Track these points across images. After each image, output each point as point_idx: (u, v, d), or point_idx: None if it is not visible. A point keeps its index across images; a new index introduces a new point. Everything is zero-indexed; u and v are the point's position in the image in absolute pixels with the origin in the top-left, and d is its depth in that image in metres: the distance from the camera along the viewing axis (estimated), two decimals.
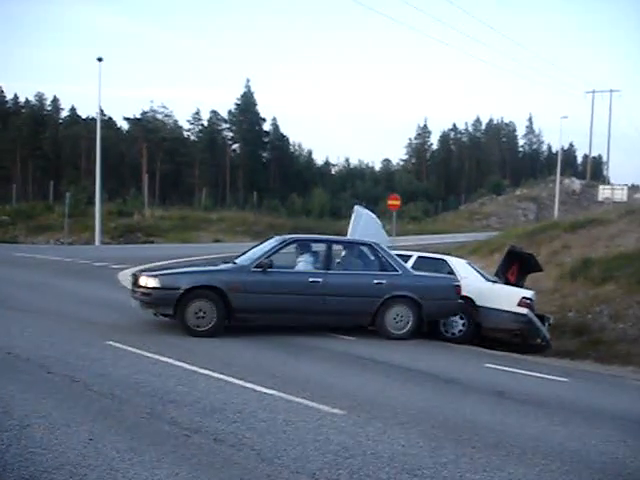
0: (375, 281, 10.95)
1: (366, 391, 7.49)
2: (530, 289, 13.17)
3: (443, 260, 13.07)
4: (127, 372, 7.55)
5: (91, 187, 42.99)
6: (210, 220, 44.70)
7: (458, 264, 12.89)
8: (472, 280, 12.42)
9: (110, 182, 58.07)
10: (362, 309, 10.94)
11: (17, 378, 7.16)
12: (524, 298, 11.99)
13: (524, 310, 11.86)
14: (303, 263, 11.14)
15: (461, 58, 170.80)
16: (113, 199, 49.77)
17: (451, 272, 12.54)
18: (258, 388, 7.13)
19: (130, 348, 8.82)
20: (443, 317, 11.80)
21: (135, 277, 10.62)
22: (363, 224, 14.89)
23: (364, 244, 11.81)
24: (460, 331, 11.96)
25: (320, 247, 11.33)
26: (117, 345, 8.99)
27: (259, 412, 6.28)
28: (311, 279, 10.66)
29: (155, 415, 6.03)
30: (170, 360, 8.24)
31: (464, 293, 12.08)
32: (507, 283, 13.05)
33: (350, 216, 15.32)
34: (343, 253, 11.87)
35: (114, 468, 4.75)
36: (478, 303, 11.98)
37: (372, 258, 11.45)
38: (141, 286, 10.27)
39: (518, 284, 13.65)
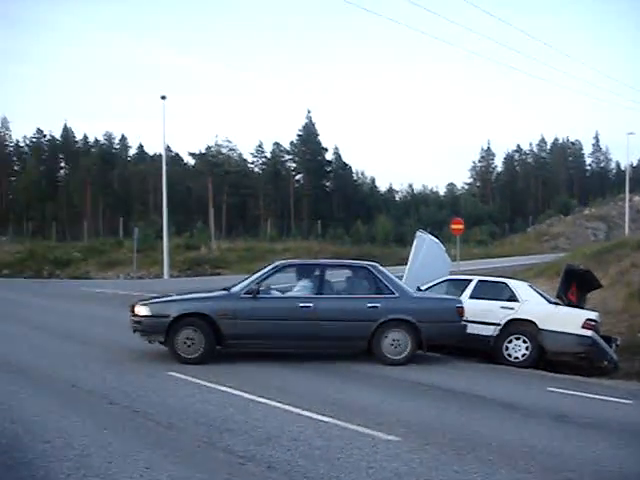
0: (369, 305, 10.64)
1: (422, 417, 7.45)
2: (595, 310, 12.88)
3: (504, 283, 12.90)
4: (186, 402, 7.70)
5: (159, 222, 44.00)
6: (275, 250, 45.05)
7: (519, 287, 12.70)
8: (534, 303, 12.23)
9: (177, 216, 59.31)
10: (356, 334, 10.63)
11: (80, 409, 7.40)
12: (588, 320, 11.72)
13: (589, 332, 11.59)
14: (297, 288, 11.03)
15: (523, 78, 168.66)
16: (181, 233, 50.74)
17: (512, 295, 12.38)
18: (314, 416, 7.18)
19: (190, 378, 8.99)
20: (445, 341, 11.42)
21: (132, 306, 10.75)
22: (426, 249, 14.85)
23: (361, 267, 11.51)
24: (524, 355, 11.76)
25: (315, 271, 11.14)
26: (178, 375, 9.18)
27: (314, 439, 6.32)
28: (301, 304, 10.48)
29: (211, 443, 6.13)
30: (229, 389, 8.37)
31: (527, 317, 11.93)
32: (569, 304, 12.80)
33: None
34: (341, 277, 11.64)
35: None
36: (541, 326, 11.76)
37: (368, 281, 11.13)
38: (135, 314, 10.50)
39: (579, 304, 13.37)
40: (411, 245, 15.41)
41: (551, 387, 9.47)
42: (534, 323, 11.84)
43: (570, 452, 6.24)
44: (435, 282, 13.46)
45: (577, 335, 11.58)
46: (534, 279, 20.28)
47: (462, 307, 11.07)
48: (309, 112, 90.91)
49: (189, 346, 10.13)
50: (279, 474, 5.38)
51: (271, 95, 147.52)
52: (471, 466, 5.69)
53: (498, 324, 12.12)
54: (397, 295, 10.81)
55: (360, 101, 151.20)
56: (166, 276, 35.72)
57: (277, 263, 11.55)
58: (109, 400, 7.75)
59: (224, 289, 11.14)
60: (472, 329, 12.41)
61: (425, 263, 14.52)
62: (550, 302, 12.45)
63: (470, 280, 13.20)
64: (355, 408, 7.66)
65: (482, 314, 12.39)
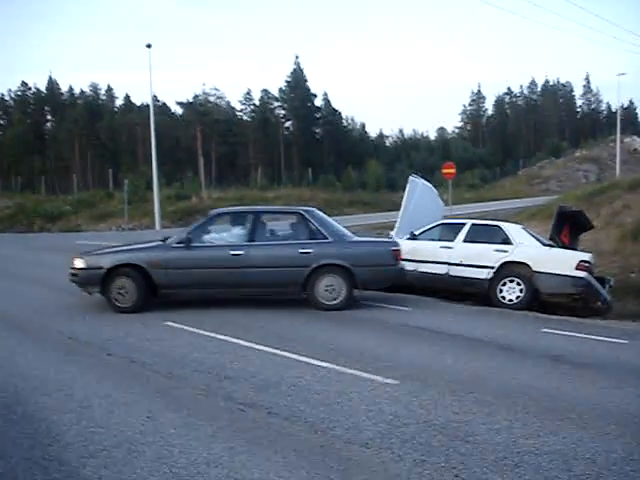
0: (301, 250, 10.59)
1: (420, 360, 7.49)
2: (588, 251, 12.90)
3: (497, 226, 12.88)
4: (184, 351, 7.72)
5: (149, 173, 43.69)
6: (267, 199, 44.93)
7: (513, 230, 12.69)
8: (528, 245, 12.24)
9: (167, 167, 58.92)
10: (288, 280, 10.61)
11: (78, 361, 7.41)
12: (582, 261, 11.74)
13: (582, 273, 11.62)
14: (229, 235, 11.01)
15: (512, 20, 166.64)
16: (171, 183, 50.50)
17: (506, 238, 12.38)
18: (312, 361, 7.21)
19: (187, 327, 9.03)
20: (382, 285, 11.43)
21: (71, 260, 10.80)
22: (418, 194, 14.76)
23: (294, 212, 11.42)
24: (518, 297, 11.80)
25: (248, 219, 11.05)
26: (174, 325, 9.22)
27: (313, 385, 6.36)
28: (232, 252, 10.49)
29: (211, 392, 6.17)
30: (226, 337, 8.40)
31: (521, 259, 11.94)
32: (563, 246, 12.82)
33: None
34: (277, 224, 11.61)
35: (171, 444, 4.89)
36: (535, 268, 11.78)
37: (302, 227, 11.05)
38: (72, 267, 10.60)
39: (572, 245, 13.40)
40: (403, 190, 15.32)
41: (546, 328, 9.52)
42: (528, 265, 11.86)
43: (568, 392, 6.29)
44: (429, 226, 13.45)
45: (571, 276, 11.60)
46: (526, 222, 20.30)
47: (398, 250, 10.97)
48: (297, 58, 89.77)
49: (123, 295, 10.29)
50: (279, 419, 5.42)
51: (258, 42, 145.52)
52: (470, 407, 5.74)
53: (492, 267, 12.15)
54: (331, 240, 10.73)
55: (349, 46, 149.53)
56: (158, 227, 35.62)
57: (211, 212, 11.60)
58: (107, 351, 7.77)
59: (162, 240, 11.14)
60: (466, 272, 12.50)
61: (418, 208, 14.45)
62: (544, 244, 12.46)
63: (464, 224, 13.19)
64: (353, 353, 7.69)
65: (476, 257, 12.42)
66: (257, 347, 7.90)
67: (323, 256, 10.60)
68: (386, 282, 11.35)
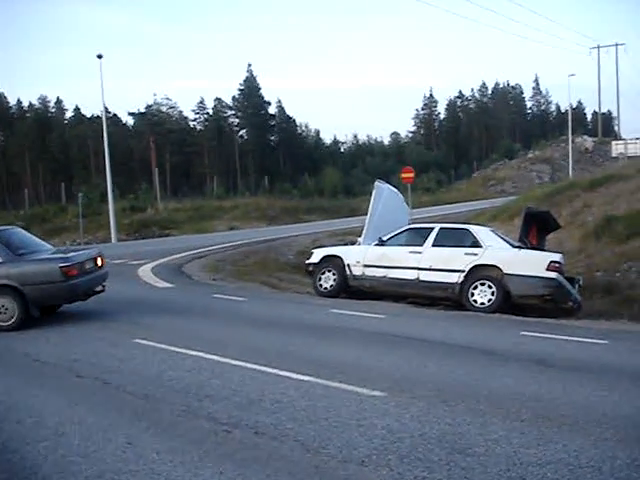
0: None
1: (403, 370, 7.28)
2: (557, 252, 12.89)
3: (466, 230, 12.79)
4: (158, 369, 7.41)
5: (102, 185, 42.98)
6: (224, 208, 44.61)
7: (481, 232, 12.61)
8: (498, 247, 12.15)
9: (121, 178, 57.99)
10: None
11: (47, 384, 7.07)
12: (552, 262, 11.67)
13: (553, 274, 11.55)
14: None
15: (461, 23, 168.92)
16: (125, 195, 49.72)
17: (475, 241, 12.29)
18: (294, 375, 6.96)
19: (159, 344, 8.69)
20: (53, 302, 11.07)
21: None
22: (385, 199, 14.63)
23: None
24: (490, 300, 11.69)
25: None
26: (144, 342, 8.87)
27: (298, 400, 6.11)
28: None
29: (192, 412, 5.88)
30: (200, 354, 8.09)
31: (491, 262, 11.84)
32: (531, 247, 12.80)
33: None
34: None
35: (156, 471, 4.61)
36: (505, 271, 11.69)
37: None
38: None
39: (540, 246, 13.39)
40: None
41: (524, 331, 9.39)
42: (498, 268, 11.78)
43: (558, 397, 6.14)
44: (396, 232, 13.32)
45: (542, 277, 11.52)
46: (488, 223, 20.31)
47: (67, 266, 10.45)
48: (250, 66, 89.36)
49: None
50: (268, 439, 5.17)
51: (210, 51, 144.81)
52: (463, 417, 5.55)
53: (462, 271, 12.04)
54: (0, 260, 10.34)
55: (300, 53, 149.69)
56: (114, 240, 35.02)
57: None
58: (76, 373, 7.42)
59: None
60: (437, 277, 12.36)
61: (385, 213, 14.32)
62: (513, 246, 12.40)
63: (432, 228, 13.08)
64: (333, 365, 7.46)
65: (446, 261, 12.31)
66: (234, 362, 7.61)
67: None
68: (57, 299, 10.98)
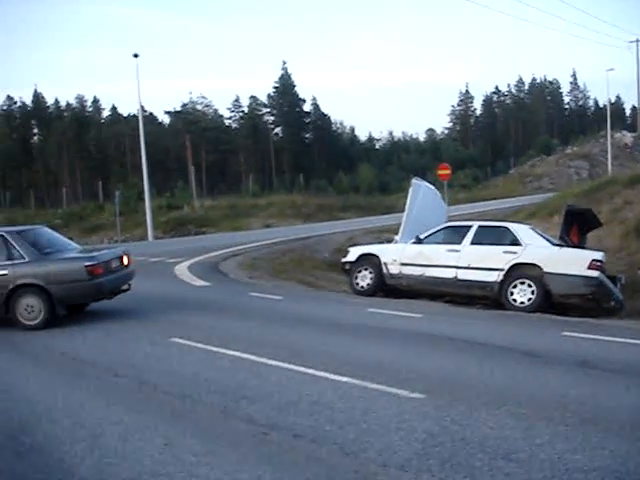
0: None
1: (443, 371, 7.16)
2: (599, 250, 12.63)
3: (505, 227, 12.59)
4: (195, 369, 7.38)
5: (139, 183, 43.34)
6: (259, 206, 44.70)
7: (521, 230, 12.40)
8: (537, 246, 11.95)
9: (157, 176, 58.56)
10: None
11: (84, 384, 7.06)
12: (594, 260, 11.43)
13: (595, 273, 11.32)
14: None
15: (497, 18, 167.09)
16: (162, 193, 50.16)
17: (515, 239, 12.09)
18: (331, 376, 6.87)
19: (195, 344, 8.65)
20: (79, 301, 11.01)
21: None
22: (422, 197, 14.46)
23: None
24: (530, 299, 11.49)
25: None
26: (181, 342, 8.85)
27: (336, 402, 6.03)
28: None
29: (229, 413, 5.83)
30: (237, 353, 8.04)
31: (531, 260, 11.64)
32: (572, 245, 12.55)
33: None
34: None
35: (193, 474, 4.57)
36: (546, 269, 11.48)
37: (3, 248, 10.53)
38: None
39: (581, 244, 13.13)
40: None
41: (566, 332, 9.18)
42: (538, 266, 11.57)
43: (604, 401, 5.97)
44: (434, 230, 13.17)
45: (584, 276, 11.29)
46: (526, 221, 20.02)
47: (92, 265, 10.44)
48: (285, 63, 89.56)
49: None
50: (306, 442, 5.09)
51: (245, 48, 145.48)
52: (506, 421, 5.41)
53: (502, 269, 11.85)
54: (27, 260, 10.37)
55: (336, 50, 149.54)
56: (150, 238, 35.30)
57: None
58: (114, 372, 7.42)
59: None
60: (475, 275, 12.19)
61: (422, 211, 14.16)
62: (553, 244, 12.17)
63: (470, 226, 12.91)
64: (371, 365, 7.36)
65: (485, 260, 12.14)
66: (271, 363, 7.54)
67: (19, 276, 10.28)
68: (83, 298, 10.94)
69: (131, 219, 39.76)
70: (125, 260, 11.59)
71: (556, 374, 6.96)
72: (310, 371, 7.13)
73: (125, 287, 11.53)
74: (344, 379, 6.75)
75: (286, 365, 7.41)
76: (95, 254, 10.98)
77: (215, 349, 8.32)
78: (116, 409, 6.09)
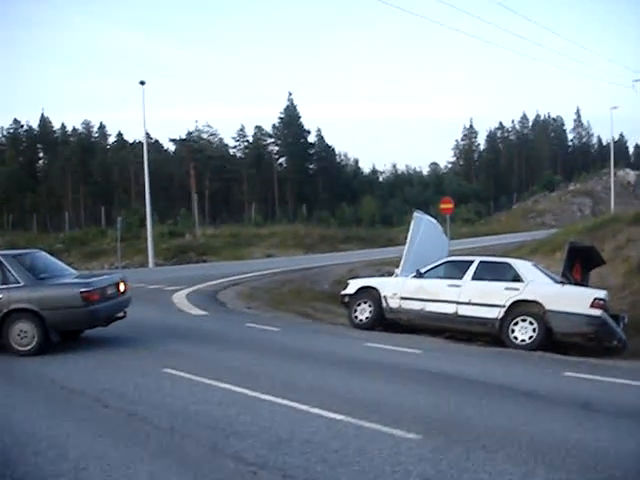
0: None
1: (441, 410, 6.94)
2: (602, 288, 12.44)
3: (507, 263, 12.42)
4: (186, 402, 7.18)
5: (142, 210, 43.30)
6: (261, 235, 44.54)
7: (523, 267, 12.23)
8: (540, 283, 11.77)
9: (160, 203, 58.57)
10: None
11: (72, 414, 6.88)
12: (597, 299, 11.24)
13: (598, 312, 11.12)
14: None
15: (502, 55, 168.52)
16: (164, 220, 50.09)
17: (517, 276, 11.92)
18: (325, 414, 6.67)
19: (187, 375, 8.46)
20: (73, 327, 10.81)
21: None
22: (423, 231, 14.32)
23: None
24: (531, 337, 11.30)
25: None
26: (174, 372, 8.65)
27: (329, 441, 5.82)
28: None
29: (218, 449, 5.63)
30: (230, 386, 7.84)
31: (532, 297, 11.46)
32: (575, 282, 12.37)
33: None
34: None
35: None
36: (548, 307, 11.29)
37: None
38: None
39: (583, 281, 12.94)
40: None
41: (568, 372, 8.98)
42: (540, 304, 11.39)
43: (606, 446, 5.75)
44: (435, 264, 13.01)
45: (586, 315, 11.09)
46: (528, 257, 19.84)
47: (87, 291, 10.25)
48: (290, 95, 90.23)
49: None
50: None
51: (251, 79, 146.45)
52: (504, 467, 5.20)
53: (503, 306, 11.67)
54: (22, 284, 10.21)
55: (342, 82, 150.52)
56: (151, 265, 35.10)
57: None
58: (103, 403, 7.22)
59: None
60: (476, 311, 12.00)
61: (423, 244, 14.02)
62: (556, 281, 11.99)
63: (472, 261, 12.75)
64: (367, 403, 7.16)
65: (486, 296, 11.95)
66: (264, 397, 7.34)
67: (13, 301, 10.11)
68: (77, 324, 10.74)
69: (132, 245, 39.55)
70: (121, 287, 11.43)
71: (557, 416, 6.75)
72: (304, 407, 6.93)
73: (121, 314, 11.35)
74: (339, 417, 6.55)
75: (280, 400, 7.21)
76: (90, 280, 10.79)
77: (208, 381, 8.12)
78: (102, 441, 5.90)
